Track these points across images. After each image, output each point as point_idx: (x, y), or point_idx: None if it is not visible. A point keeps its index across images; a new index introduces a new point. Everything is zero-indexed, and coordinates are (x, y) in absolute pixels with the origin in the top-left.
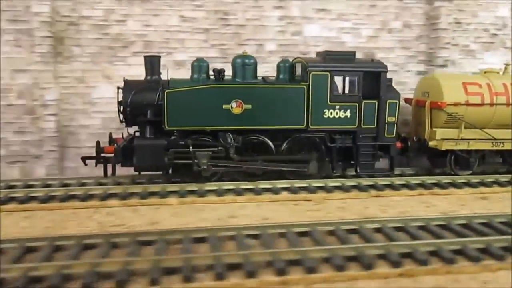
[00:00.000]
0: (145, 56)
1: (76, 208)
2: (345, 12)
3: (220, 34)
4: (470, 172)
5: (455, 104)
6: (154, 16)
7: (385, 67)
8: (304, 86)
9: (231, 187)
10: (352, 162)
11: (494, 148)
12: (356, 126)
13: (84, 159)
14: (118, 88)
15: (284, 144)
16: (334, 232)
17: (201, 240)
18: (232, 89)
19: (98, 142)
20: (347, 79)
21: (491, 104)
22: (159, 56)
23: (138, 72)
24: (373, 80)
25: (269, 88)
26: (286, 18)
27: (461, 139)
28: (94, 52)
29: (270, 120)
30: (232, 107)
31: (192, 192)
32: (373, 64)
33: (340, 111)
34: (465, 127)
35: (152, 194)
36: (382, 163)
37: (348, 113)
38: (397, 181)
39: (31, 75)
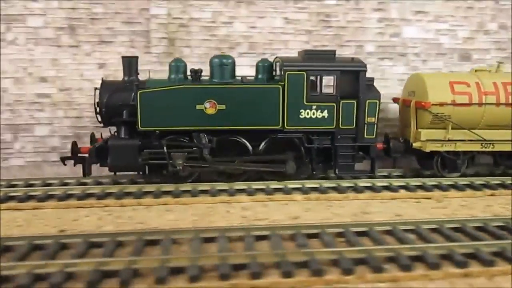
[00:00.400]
0: (122, 57)
1: (209, 203)
2: (442, 14)
3: (322, 35)
4: (459, 174)
5: (441, 104)
6: (259, 18)
7: (364, 66)
8: (280, 86)
9: (351, 185)
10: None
11: (484, 149)
12: (333, 127)
13: (63, 159)
14: (95, 88)
15: (262, 145)
16: (484, 228)
17: (362, 234)
18: (205, 89)
19: (74, 142)
20: (324, 78)
21: (480, 104)
22: (137, 57)
23: (243, 72)
24: (351, 80)
25: (243, 88)
26: (385, 20)
27: (448, 140)
28: (202, 53)
29: (244, 120)
30: (205, 108)
31: (314, 189)
32: (351, 63)
33: (317, 111)
34: (452, 128)
35: (277, 190)
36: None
37: (325, 113)
38: (508, 180)
39: (145, 75)
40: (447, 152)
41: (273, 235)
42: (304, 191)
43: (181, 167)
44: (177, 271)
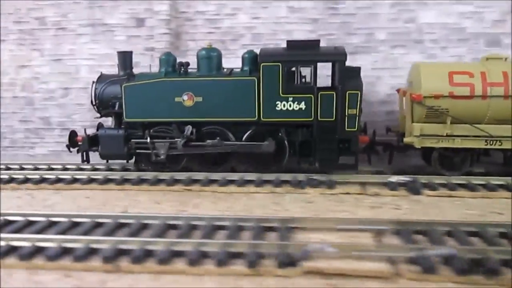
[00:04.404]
0: (118, 52)
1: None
2: None
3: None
4: (460, 173)
5: (436, 97)
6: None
7: (343, 55)
8: (255, 78)
9: (482, 182)
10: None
11: (489, 147)
12: (311, 119)
13: (68, 146)
14: (93, 82)
15: (245, 137)
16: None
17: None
18: (183, 82)
19: (72, 132)
20: (301, 69)
21: (484, 96)
22: (131, 52)
23: None
24: (331, 70)
25: (218, 80)
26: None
27: (447, 135)
28: None
29: (220, 112)
30: (183, 100)
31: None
32: (329, 53)
33: (294, 103)
34: (452, 122)
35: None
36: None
37: (302, 105)
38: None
39: None
40: (445, 148)
41: (430, 231)
42: (433, 187)
43: (163, 156)
44: None
